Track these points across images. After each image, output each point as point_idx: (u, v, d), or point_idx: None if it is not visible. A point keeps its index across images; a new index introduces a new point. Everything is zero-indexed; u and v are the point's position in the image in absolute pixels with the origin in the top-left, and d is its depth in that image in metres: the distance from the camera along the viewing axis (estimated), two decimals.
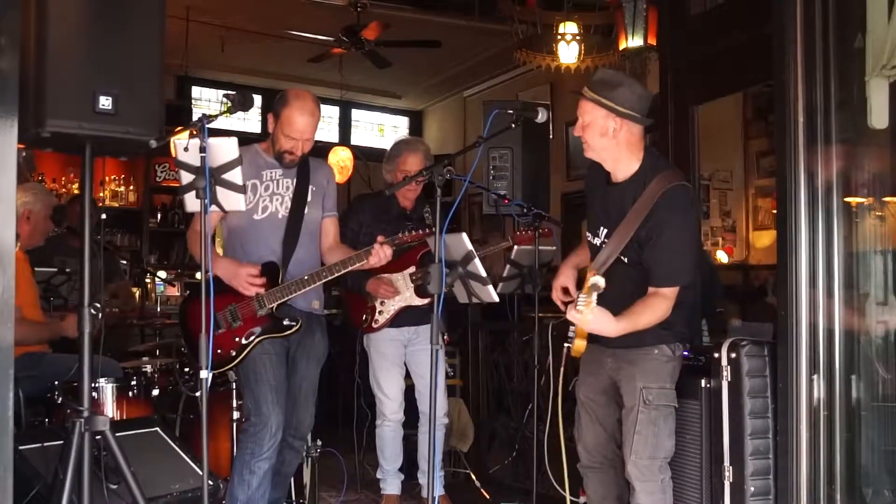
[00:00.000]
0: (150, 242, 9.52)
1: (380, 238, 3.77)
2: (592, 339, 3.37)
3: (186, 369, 4.53)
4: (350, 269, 3.79)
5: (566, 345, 3.48)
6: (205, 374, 2.95)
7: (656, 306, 3.16)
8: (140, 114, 2.76)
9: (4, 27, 2.47)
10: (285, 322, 3.76)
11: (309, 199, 3.92)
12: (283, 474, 4.03)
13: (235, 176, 3.13)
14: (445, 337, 5.10)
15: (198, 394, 4.00)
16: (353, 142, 10.98)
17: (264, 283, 3.70)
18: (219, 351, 3.65)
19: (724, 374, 3.44)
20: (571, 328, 3.37)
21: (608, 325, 3.07)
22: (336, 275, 3.80)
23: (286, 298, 3.74)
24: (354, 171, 9.46)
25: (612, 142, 3.27)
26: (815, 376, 3.32)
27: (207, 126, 2.97)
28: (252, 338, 3.72)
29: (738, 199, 8.43)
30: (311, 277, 3.74)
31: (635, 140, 3.29)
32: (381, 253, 3.72)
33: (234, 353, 3.71)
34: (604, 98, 3.23)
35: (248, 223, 3.82)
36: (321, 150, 8.99)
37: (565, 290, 3.50)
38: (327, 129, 10.96)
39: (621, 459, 3.45)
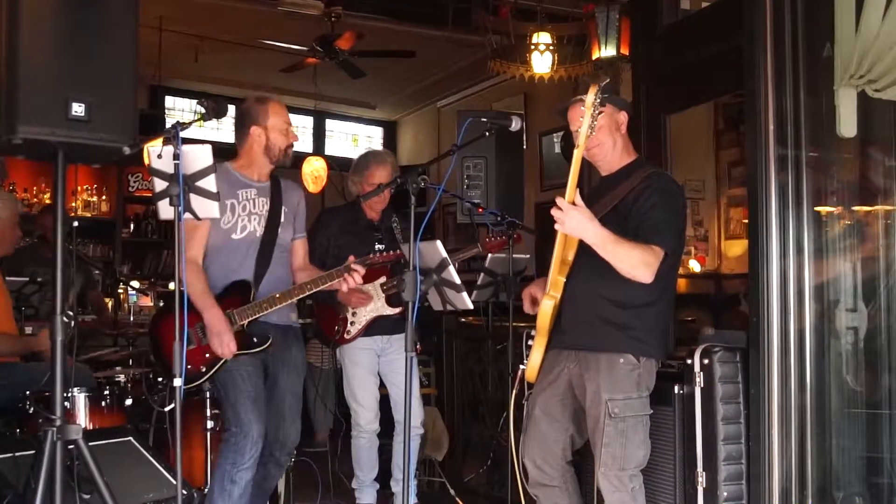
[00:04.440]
0: (122, 252, 9.45)
1: (351, 258, 3.78)
2: (552, 342, 3.35)
3: (160, 379, 4.50)
4: (320, 288, 3.80)
5: (521, 366, 3.47)
6: (178, 382, 2.94)
7: (645, 250, 3.10)
8: (113, 121, 2.76)
9: None
10: (255, 339, 3.76)
11: (282, 219, 3.94)
12: (264, 488, 4.00)
13: (209, 183, 3.12)
14: (418, 346, 5.10)
15: (167, 409, 4.02)
16: (328, 152, 10.96)
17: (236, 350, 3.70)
18: (189, 366, 3.58)
19: (697, 380, 3.47)
20: (529, 342, 3.37)
21: (588, 224, 3.04)
22: (306, 293, 3.82)
23: (256, 316, 3.74)
24: (328, 182, 9.44)
25: (620, 136, 3.39)
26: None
27: (181, 135, 2.97)
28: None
29: (709, 208, 8.48)
30: (282, 296, 3.76)
31: (626, 130, 3.42)
32: (350, 280, 3.75)
33: (203, 369, 3.71)
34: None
35: (226, 243, 3.82)
36: (295, 159, 8.96)
37: (533, 301, 3.50)
38: (301, 138, 10.93)
39: (573, 474, 3.46)
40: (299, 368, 3.98)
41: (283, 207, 3.96)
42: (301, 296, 3.83)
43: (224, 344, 3.64)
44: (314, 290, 3.81)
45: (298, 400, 3.98)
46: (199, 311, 3.61)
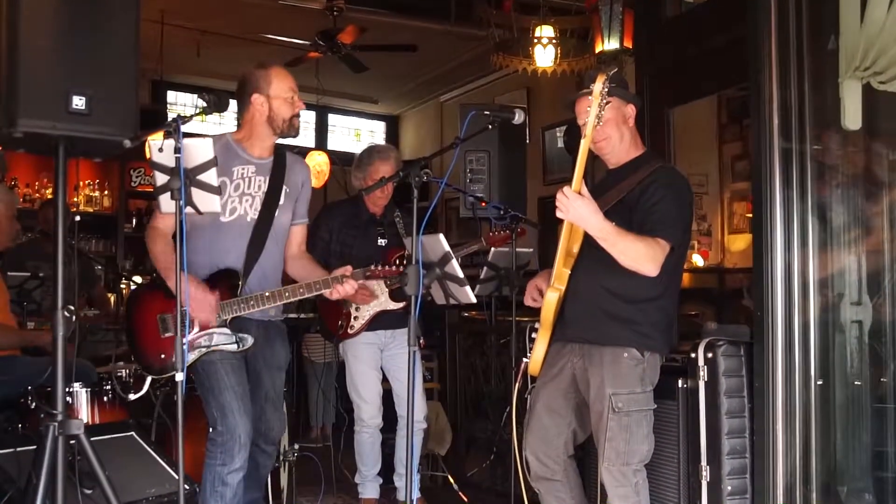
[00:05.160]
0: (125, 247, 9.43)
1: (348, 268, 3.58)
2: (556, 336, 3.33)
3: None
4: (314, 293, 3.59)
5: (524, 360, 3.46)
6: (180, 377, 2.92)
7: (650, 244, 3.07)
8: (114, 114, 2.74)
9: None
10: (237, 335, 3.53)
11: (281, 201, 3.69)
12: (257, 477, 3.88)
13: (210, 177, 3.09)
14: (421, 341, 5.09)
15: (131, 397, 3.95)
16: (330, 146, 10.94)
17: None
18: (162, 356, 3.46)
19: (701, 374, 3.45)
20: (532, 336, 3.35)
21: (593, 215, 3.00)
22: (298, 297, 3.60)
23: (242, 314, 3.52)
24: (331, 176, 9.43)
25: (628, 129, 3.35)
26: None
27: (182, 129, 2.95)
28: (201, 347, 3.49)
29: (713, 203, 8.47)
30: (272, 296, 3.52)
31: (634, 123, 3.38)
32: (342, 290, 3.55)
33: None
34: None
35: (213, 225, 3.54)
36: (297, 155, 8.96)
37: (539, 292, 3.48)
38: (304, 133, 10.88)
39: (574, 468, 3.44)
40: (281, 365, 3.80)
41: (284, 187, 3.70)
42: (292, 299, 3.59)
43: (203, 305, 3.40)
44: (307, 296, 3.60)
45: (280, 394, 3.81)
46: (165, 280, 3.42)
